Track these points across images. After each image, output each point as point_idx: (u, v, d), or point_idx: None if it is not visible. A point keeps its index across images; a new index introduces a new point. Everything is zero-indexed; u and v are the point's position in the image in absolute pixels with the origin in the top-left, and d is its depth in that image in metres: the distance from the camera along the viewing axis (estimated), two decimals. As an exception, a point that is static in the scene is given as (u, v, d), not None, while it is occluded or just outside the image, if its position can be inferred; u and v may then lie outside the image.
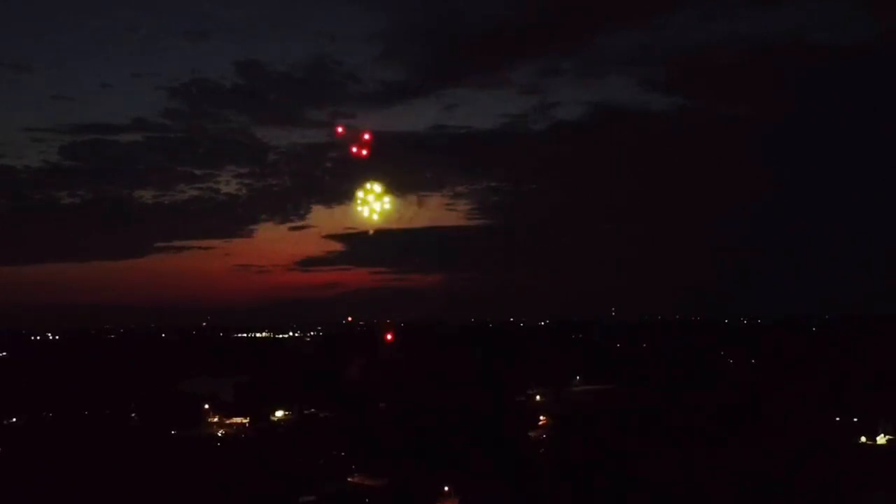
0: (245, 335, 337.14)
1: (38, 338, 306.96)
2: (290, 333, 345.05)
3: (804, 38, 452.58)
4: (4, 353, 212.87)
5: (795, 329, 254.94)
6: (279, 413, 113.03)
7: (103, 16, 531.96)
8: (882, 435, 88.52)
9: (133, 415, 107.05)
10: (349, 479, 71.89)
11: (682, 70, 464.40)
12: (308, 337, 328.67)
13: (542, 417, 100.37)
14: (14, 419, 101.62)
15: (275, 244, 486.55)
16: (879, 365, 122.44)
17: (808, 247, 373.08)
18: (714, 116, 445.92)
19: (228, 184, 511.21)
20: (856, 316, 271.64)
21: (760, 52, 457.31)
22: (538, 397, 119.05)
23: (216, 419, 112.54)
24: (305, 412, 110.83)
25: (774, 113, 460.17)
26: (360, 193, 20.67)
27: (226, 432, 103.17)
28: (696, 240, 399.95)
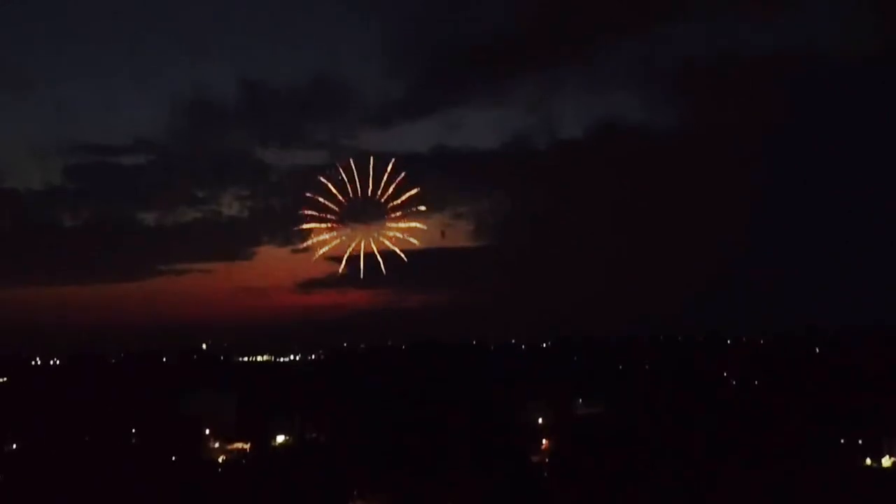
0: (246, 358, 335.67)
1: (39, 361, 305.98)
2: (292, 356, 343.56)
3: (809, 51, 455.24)
4: (4, 378, 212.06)
5: (798, 347, 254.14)
6: (280, 438, 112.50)
7: (106, 36, 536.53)
8: (887, 457, 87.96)
9: (134, 440, 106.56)
10: (350, 505, 71.53)
11: (685, 85, 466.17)
12: (309, 360, 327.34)
13: (544, 440, 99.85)
14: (14, 445, 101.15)
15: (276, 266, 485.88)
16: (884, 384, 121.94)
17: (811, 262, 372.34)
18: (718, 131, 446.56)
19: (230, 206, 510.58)
20: (859, 334, 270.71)
21: (764, 66, 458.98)
22: (540, 420, 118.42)
23: (217, 444, 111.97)
24: (307, 437, 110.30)
25: (778, 128, 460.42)
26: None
27: (227, 457, 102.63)
28: (698, 256, 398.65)
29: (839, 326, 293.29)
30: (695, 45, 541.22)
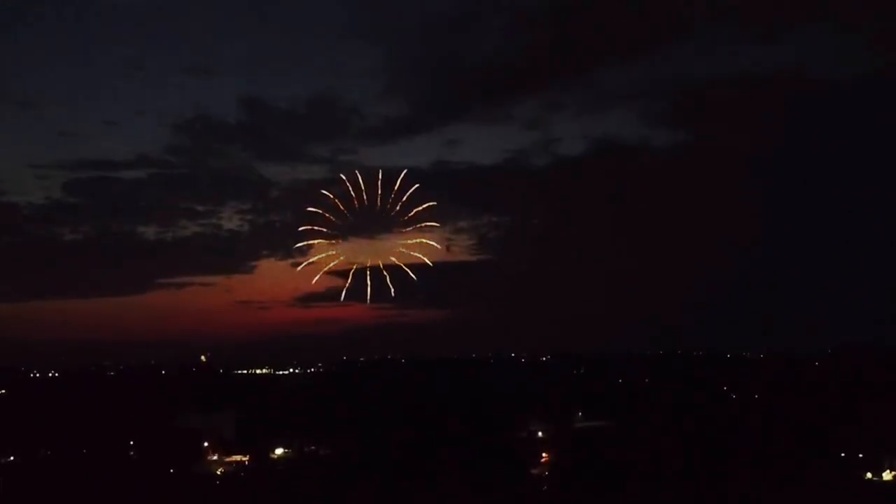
0: (245, 371, 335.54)
1: (38, 374, 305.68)
2: (291, 370, 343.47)
3: (804, 72, 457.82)
4: (3, 391, 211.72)
5: (798, 362, 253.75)
6: (279, 450, 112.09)
7: (108, 53, 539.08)
8: (888, 471, 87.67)
9: (132, 452, 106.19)
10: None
11: (683, 104, 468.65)
12: (308, 373, 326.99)
13: (544, 454, 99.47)
14: (12, 457, 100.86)
15: (276, 280, 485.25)
16: (885, 399, 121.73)
17: (811, 280, 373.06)
18: (715, 150, 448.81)
19: (230, 220, 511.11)
20: (859, 349, 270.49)
21: (761, 86, 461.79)
22: (540, 434, 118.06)
23: (216, 456, 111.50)
24: (306, 449, 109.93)
25: (776, 145, 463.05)
26: None
27: (225, 470, 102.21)
28: (698, 273, 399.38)
29: (839, 342, 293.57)
30: (693, 64, 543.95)
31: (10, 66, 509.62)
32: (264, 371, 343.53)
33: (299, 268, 75.97)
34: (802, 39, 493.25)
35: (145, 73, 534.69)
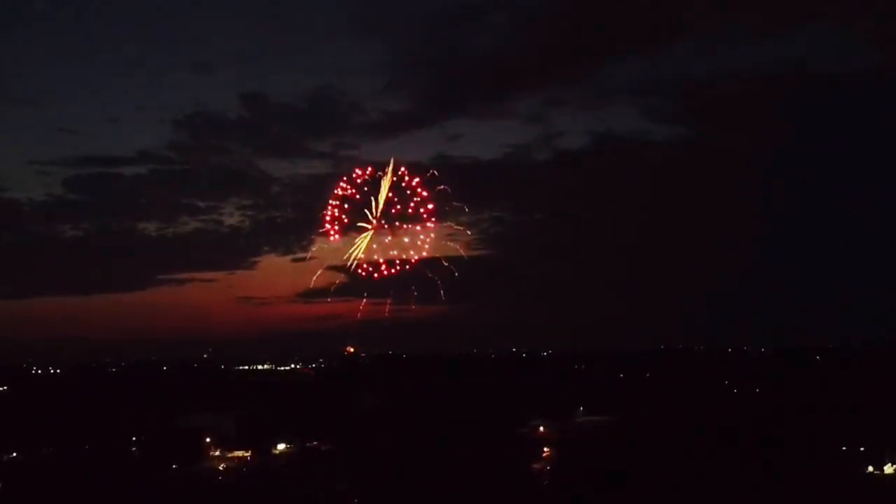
0: (247, 367, 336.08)
1: (40, 371, 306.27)
2: (292, 365, 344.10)
3: (805, 68, 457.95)
4: (5, 388, 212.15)
5: (800, 358, 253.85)
6: (281, 446, 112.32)
7: (109, 50, 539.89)
8: (889, 464, 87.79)
9: (134, 449, 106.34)
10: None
11: (684, 100, 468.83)
12: (310, 368, 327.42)
13: (545, 450, 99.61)
14: (14, 454, 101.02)
15: (277, 276, 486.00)
16: (886, 394, 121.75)
17: (811, 276, 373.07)
18: (716, 146, 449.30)
19: (231, 216, 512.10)
20: (861, 345, 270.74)
21: (762, 82, 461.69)
22: (541, 429, 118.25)
23: (217, 453, 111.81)
24: (307, 445, 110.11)
25: (776, 143, 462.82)
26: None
27: (227, 466, 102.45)
28: (698, 269, 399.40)
29: (840, 337, 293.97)
30: (693, 62, 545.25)
31: (10, 65, 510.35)
32: (265, 367, 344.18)
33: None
34: (803, 37, 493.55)
35: (146, 69, 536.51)
